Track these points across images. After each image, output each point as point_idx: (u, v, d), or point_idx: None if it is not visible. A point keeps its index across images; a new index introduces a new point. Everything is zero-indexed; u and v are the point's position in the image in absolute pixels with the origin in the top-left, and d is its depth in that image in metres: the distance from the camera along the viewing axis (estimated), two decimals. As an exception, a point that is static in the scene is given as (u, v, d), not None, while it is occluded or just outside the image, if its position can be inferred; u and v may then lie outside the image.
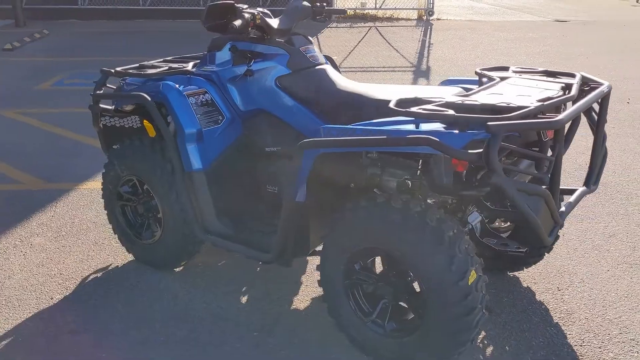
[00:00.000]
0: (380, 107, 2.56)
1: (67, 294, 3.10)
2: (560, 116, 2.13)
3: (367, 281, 2.53)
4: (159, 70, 3.12)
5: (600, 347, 2.64)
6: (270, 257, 2.73)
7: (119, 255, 3.46)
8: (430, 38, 10.91)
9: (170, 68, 3.17)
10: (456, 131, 2.10)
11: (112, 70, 3.26)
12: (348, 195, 2.67)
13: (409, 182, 2.50)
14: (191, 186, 2.94)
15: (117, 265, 3.37)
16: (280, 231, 2.64)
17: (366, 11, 13.39)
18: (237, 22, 2.86)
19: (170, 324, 2.83)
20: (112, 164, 3.22)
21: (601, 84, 2.53)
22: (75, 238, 3.70)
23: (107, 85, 3.37)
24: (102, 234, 3.73)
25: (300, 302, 3.01)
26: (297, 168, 2.51)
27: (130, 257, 3.41)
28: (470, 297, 2.21)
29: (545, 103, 2.18)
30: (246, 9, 3.02)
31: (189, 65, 3.19)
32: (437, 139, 2.07)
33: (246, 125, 3.09)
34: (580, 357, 2.58)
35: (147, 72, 3.11)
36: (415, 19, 13.04)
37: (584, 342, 2.68)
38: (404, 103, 2.34)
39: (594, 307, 2.92)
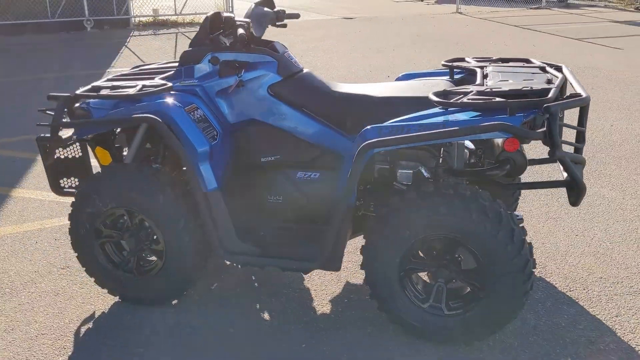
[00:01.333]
0: (402, 103, 2.74)
1: (70, 355, 2.75)
2: (585, 93, 2.51)
3: (423, 268, 2.69)
4: (135, 89, 2.88)
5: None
6: (317, 264, 2.76)
7: (95, 300, 3.14)
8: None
9: (143, 86, 2.94)
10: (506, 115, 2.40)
11: (70, 95, 2.93)
12: (371, 193, 2.82)
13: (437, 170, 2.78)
14: (209, 207, 2.81)
15: (104, 311, 3.06)
16: (333, 237, 2.68)
17: (165, 17, 13.06)
18: (240, 32, 2.81)
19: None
20: (89, 199, 2.90)
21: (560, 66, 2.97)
22: (27, 291, 3.24)
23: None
24: (56, 281, 3.33)
25: (335, 305, 3.07)
26: (341, 172, 2.56)
27: (109, 299, 3.13)
28: (528, 264, 2.50)
29: (556, 85, 2.54)
30: (234, 18, 2.96)
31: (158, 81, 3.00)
32: (511, 124, 2.33)
33: (236, 138, 3.04)
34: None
35: (123, 93, 2.85)
36: (216, 23, 13.06)
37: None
38: (444, 96, 2.54)
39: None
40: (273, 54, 2.97)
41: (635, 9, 16.04)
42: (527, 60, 3.15)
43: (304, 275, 3.31)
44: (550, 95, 2.42)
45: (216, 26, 3.05)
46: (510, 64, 3.11)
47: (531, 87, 2.52)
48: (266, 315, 2.99)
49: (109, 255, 3.07)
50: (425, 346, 2.73)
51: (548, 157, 2.51)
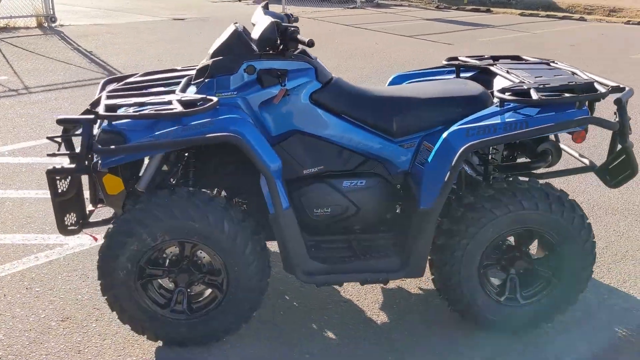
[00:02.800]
0: (448, 104, 2.85)
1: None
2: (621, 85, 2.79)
3: (498, 263, 2.80)
4: (176, 105, 2.57)
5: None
6: (402, 274, 2.73)
7: (131, 348, 2.75)
8: (79, 45, 10.14)
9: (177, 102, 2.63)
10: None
11: (94, 116, 2.53)
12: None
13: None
14: (285, 227, 2.62)
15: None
16: (422, 244, 2.66)
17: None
18: (303, 38, 2.66)
19: None
20: (132, 234, 2.54)
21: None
22: (35, 344, 2.73)
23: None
24: (66, 338, 2.85)
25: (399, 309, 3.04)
26: (422, 177, 2.60)
27: (147, 345, 2.79)
28: (594, 245, 2.75)
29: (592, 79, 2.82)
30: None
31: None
32: (597, 117, 2.54)
33: (277, 151, 2.87)
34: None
35: (168, 111, 2.53)
36: (35, 27, 11.77)
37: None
38: (505, 93, 2.65)
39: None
40: (310, 60, 2.84)
41: (435, 8, 17.73)
42: (519, 57, 3.39)
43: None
44: (599, 88, 2.67)
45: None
46: (513, 61, 3.32)
47: (576, 82, 2.75)
48: (331, 334, 2.88)
49: (154, 296, 2.71)
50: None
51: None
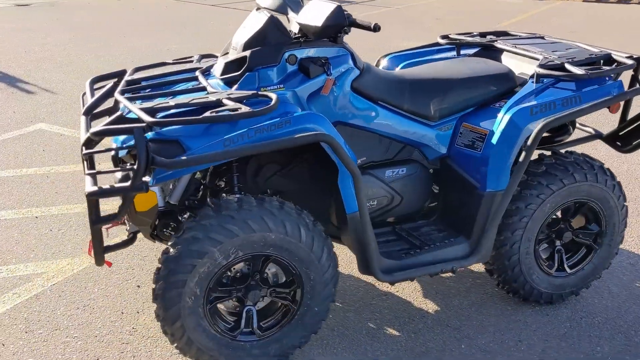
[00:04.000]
0: (479, 83, 2.81)
1: None
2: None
3: (551, 237, 2.88)
4: (223, 107, 2.30)
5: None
6: (475, 259, 2.70)
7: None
8: None
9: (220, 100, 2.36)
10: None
11: (146, 124, 2.18)
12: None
13: None
14: (361, 227, 2.47)
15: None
16: (489, 227, 2.65)
17: None
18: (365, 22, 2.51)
19: None
20: (201, 254, 2.26)
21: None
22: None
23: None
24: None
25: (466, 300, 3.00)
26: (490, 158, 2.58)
27: None
28: (625, 217, 2.94)
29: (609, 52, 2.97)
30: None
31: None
32: None
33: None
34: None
35: (206, 115, 2.23)
36: None
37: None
38: (549, 68, 2.71)
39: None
40: (345, 45, 2.67)
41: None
42: (507, 33, 3.47)
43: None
44: (623, 60, 2.81)
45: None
46: (507, 37, 3.38)
47: (596, 55, 2.87)
48: (393, 331, 2.77)
49: (224, 319, 2.43)
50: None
51: None
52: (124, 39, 9.27)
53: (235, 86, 2.49)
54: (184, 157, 2.15)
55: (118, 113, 2.37)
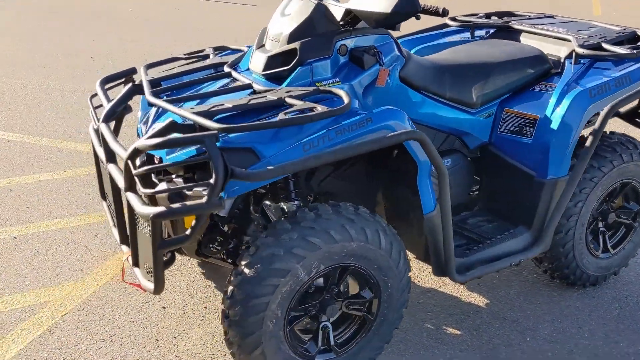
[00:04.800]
0: (516, 66, 2.71)
1: None
2: None
3: (601, 220, 2.87)
4: (302, 107, 2.08)
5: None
6: (541, 247, 2.62)
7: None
8: None
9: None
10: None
11: (215, 131, 1.92)
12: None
13: None
14: (445, 225, 2.33)
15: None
16: (553, 215, 2.58)
17: None
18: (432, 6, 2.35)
19: None
20: (288, 270, 2.03)
21: None
22: None
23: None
24: None
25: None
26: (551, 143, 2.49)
27: None
28: None
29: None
30: None
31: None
32: None
33: None
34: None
35: (284, 118, 2.01)
36: None
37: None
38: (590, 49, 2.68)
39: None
40: (388, 31, 2.50)
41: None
42: (512, 13, 3.42)
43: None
44: None
45: None
46: (517, 17, 3.32)
47: (622, 33, 2.86)
48: (453, 330, 2.66)
49: (300, 340, 2.21)
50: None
51: None
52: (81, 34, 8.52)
53: (286, 82, 2.25)
54: (270, 167, 1.91)
55: (168, 120, 2.07)
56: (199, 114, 2.00)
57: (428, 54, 2.89)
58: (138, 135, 2.47)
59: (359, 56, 2.32)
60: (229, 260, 2.44)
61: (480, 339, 2.61)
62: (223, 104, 2.09)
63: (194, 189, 2.00)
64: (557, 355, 2.54)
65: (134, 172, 1.98)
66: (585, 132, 2.61)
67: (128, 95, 2.46)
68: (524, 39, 3.03)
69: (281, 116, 1.96)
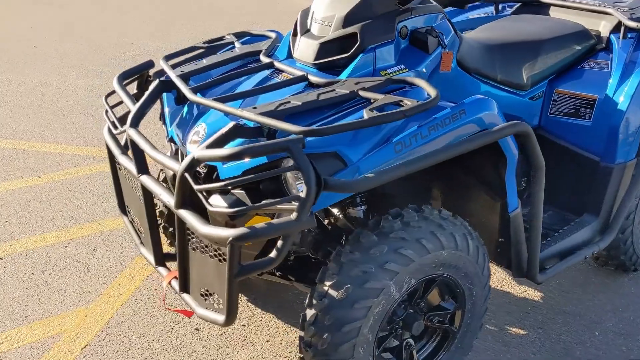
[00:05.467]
0: (561, 43, 2.52)
1: None
2: None
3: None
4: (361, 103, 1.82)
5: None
6: (608, 238, 2.47)
7: None
8: None
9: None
10: None
11: (299, 137, 1.64)
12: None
13: None
14: (518, 229, 2.11)
15: None
16: (628, 201, 2.43)
17: None
18: None
19: None
20: (382, 288, 1.78)
21: None
22: None
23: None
24: None
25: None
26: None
27: None
28: None
29: None
30: None
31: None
32: None
33: None
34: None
35: (374, 116, 1.74)
36: None
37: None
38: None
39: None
40: (442, 9, 2.26)
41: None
42: None
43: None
44: None
45: None
46: None
47: None
48: (518, 329, 2.48)
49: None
50: None
51: None
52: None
53: (348, 72, 1.97)
54: (370, 175, 1.64)
55: (231, 124, 1.76)
56: (266, 114, 1.71)
57: None
58: (171, 140, 2.13)
59: (421, 39, 2.07)
60: (279, 274, 2.17)
61: (549, 337, 2.45)
62: (289, 102, 1.79)
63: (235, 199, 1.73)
64: (631, 348, 2.41)
65: (197, 187, 1.67)
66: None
67: (157, 94, 2.11)
68: (554, 13, 2.85)
69: (367, 113, 1.68)
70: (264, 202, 1.63)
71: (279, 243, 1.64)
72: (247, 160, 1.73)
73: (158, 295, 2.65)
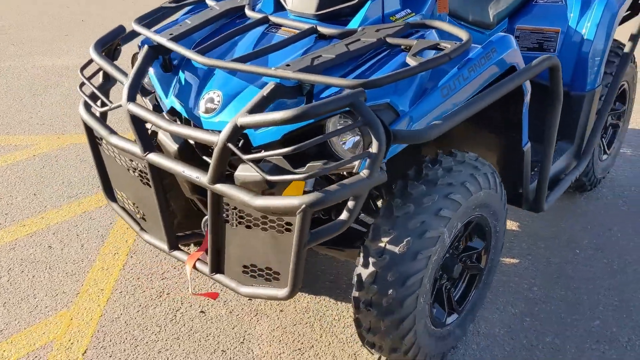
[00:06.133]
0: None
1: None
2: None
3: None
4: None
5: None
6: (588, 159, 2.64)
7: None
8: None
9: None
10: None
11: (359, 90, 1.57)
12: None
13: None
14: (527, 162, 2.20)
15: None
16: (600, 125, 2.60)
17: None
18: None
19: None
20: (438, 236, 1.77)
21: None
22: None
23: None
24: None
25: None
26: None
27: None
28: None
29: None
30: None
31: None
32: None
33: None
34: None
35: (423, 62, 1.71)
36: None
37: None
38: None
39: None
40: None
41: None
42: None
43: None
44: None
45: None
46: None
47: None
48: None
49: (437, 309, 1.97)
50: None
51: None
52: None
53: (358, 20, 1.89)
54: (437, 122, 1.60)
55: (272, 84, 1.62)
56: (304, 70, 1.60)
57: None
58: (171, 111, 1.92)
59: None
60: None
61: (539, 262, 2.58)
62: (321, 56, 1.69)
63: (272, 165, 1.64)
64: (611, 259, 2.62)
65: (247, 157, 1.54)
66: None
67: (148, 61, 1.90)
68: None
69: (413, 60, 1.63)
70: (334, 163, 1.53)
71: (350, 203, 1.56)
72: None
73: (152, 284, 2.45)
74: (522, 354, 2.13)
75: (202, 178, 1.67)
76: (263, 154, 1.55)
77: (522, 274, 2.52)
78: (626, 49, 2.58)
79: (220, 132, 1.60)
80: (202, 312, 2.31)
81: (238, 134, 1.57)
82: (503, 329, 2.24)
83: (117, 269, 2.54)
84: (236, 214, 1.68)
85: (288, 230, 1.57)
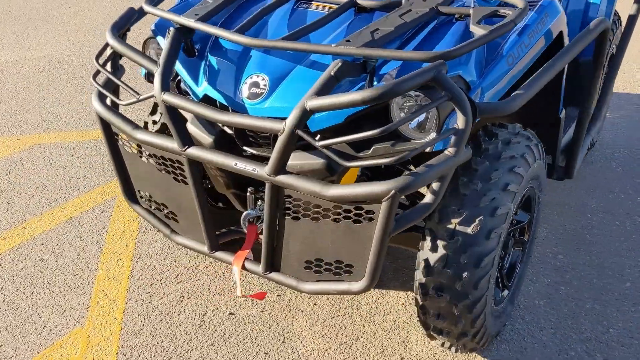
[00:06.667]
0: None
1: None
2: None
3: None
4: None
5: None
6: (598, 125, 2.64)
7: None
8: None
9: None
10: None
11: (439, 63, 1.48)
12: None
13: None
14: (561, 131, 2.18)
15: None
16: (604, 96, 2.61)
17: None
18: None
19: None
20: (506, 207, 1.71)
21: None
22: None
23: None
24: None
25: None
26: None
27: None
28: None
29: None
30: None
31: None
32: None
33: None
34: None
35: (492, 30, 1.64)
36: None
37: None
38: None
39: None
40: None
41: None
42: None
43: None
44: None
45: None
46: None
47: None
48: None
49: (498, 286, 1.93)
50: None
51: None
52: None
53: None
54: (520, 92, 1.52)
55: (338, 62, 1.49)
56: (368, 45, 1.49)
57: None
58: (205, 98, 1.75)
59: None
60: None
61: (557, 230, 2.58)
62: (378, 29, 1.57)
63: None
64: (622, 222, 2.66)
65: (321, 143, 1.41)
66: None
67: (177, 46, 1.72)
68: None
69: (479, 28, 1.54)
70: (420, 143, 1.43)
71: (435, 185, 1.46)
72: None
73: (166, 288, 2.26)
74: (568, 323, 2.12)
75: (259, 170, 1.53)
76: (338, 139, 1.42)
77: (542, 243, 2.51)
78: (632, 11, 2.60)
79: (280, 119, 1.46)
80: (231, 314, 2.16)
81: (307, 119, 1.44)
82: (542, 300, 2.22)
83: (125, 277, 2.34)
84: (300, 207, 1.55)
85: (369, 219, 1.46)
